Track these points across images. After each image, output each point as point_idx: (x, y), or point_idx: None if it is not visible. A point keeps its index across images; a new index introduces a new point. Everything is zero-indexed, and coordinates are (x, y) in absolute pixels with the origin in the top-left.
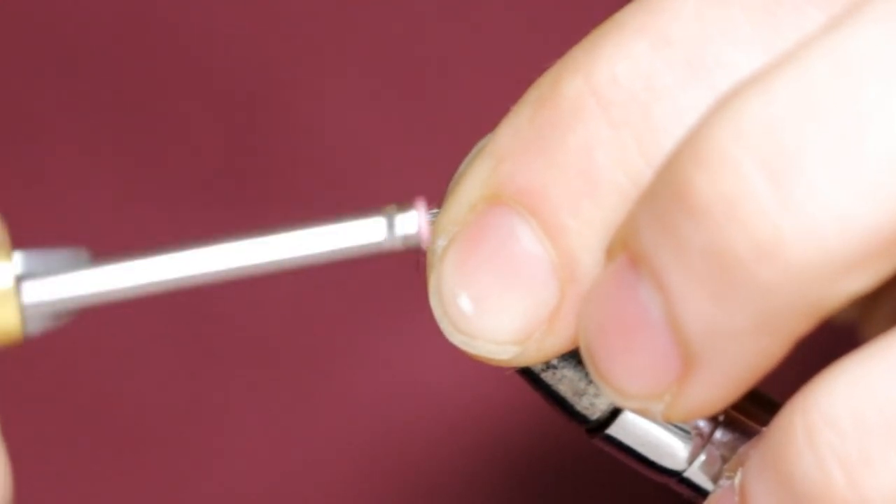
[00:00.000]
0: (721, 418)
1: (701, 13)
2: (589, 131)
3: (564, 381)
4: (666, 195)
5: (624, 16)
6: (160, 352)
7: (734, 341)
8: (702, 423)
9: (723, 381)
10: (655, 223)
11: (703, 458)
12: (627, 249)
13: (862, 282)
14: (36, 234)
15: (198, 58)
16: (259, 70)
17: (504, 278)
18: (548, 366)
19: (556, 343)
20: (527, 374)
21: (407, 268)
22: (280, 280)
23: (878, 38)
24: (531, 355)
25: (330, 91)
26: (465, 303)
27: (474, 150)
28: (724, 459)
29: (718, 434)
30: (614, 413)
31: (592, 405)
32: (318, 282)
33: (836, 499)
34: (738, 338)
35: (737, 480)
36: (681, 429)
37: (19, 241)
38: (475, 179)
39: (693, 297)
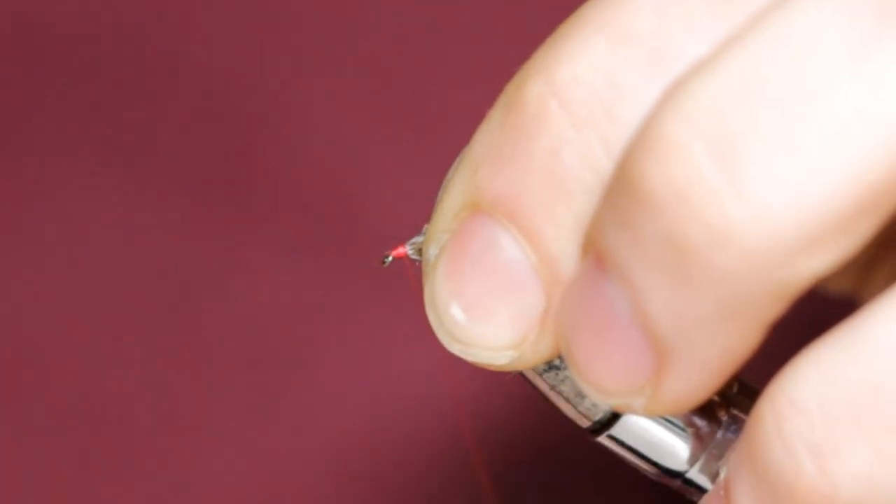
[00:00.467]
0: (724, 419)
1: (659, 6)
2: (554, 134)
3: (566, 382)
4: (620, 188)
5: (582, 13)
6: (145, 350)
7: (702, 330)
8: (703, 424)
9: (699, 371)
10: (614, 217)
11: (704, 458)
12: (593, 248)
13: (822, 261)
14: (36, 239)
15: (194, 68)
16: (254, 78)
17: (491, 285)
18: (549, 367)
19: (552, 344)
20: (529, 375)
21: (395, 266)
22: (269, 278)
23: (819, 16)
24: (529, 358)
25: (325, 98)
26: (457, 312)
27: (459, 158)
28: (723, 460)
29: (720, 435)
30: (616, 414)
31: (595, 406)
32: (306, 280)
33: (806, 486)
34: (706, 326)
35: (722, 475)
36: (682, 429)
37: (19, 246)
38: (457, 188)
39: (656, 289)
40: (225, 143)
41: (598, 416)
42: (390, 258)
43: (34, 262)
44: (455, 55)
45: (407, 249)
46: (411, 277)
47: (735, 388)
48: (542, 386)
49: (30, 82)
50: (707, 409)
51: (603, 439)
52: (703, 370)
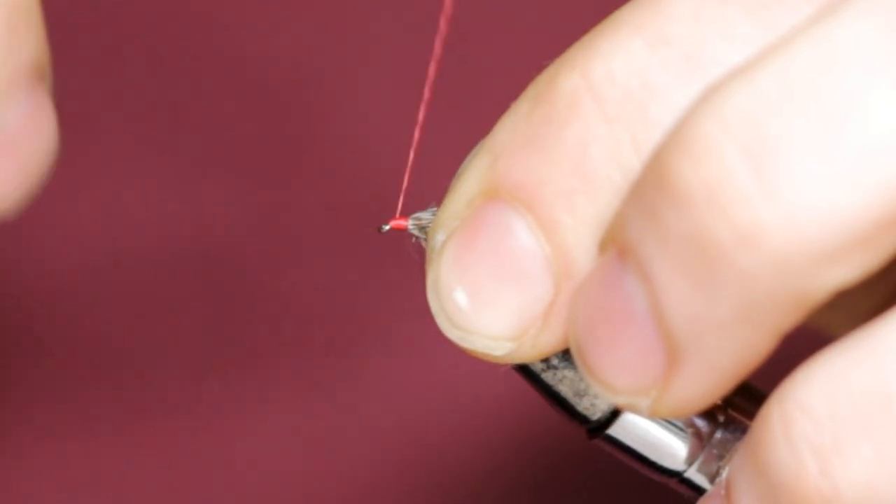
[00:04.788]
0: (721, 419)
1: (697, 11)
2: (584, 127)
3: (565, 382)
4: (650, 184)
5: (622, 13)
6: (190, 334)
7: (717, 333)
8: (702, 424)
9: (708, 376)
10: (641, 213)
11: (702, 458)
12: (616, 242)
13: (844, 274)
14: (81, 219)
15: (238, 50)
16: (298, 62)
17: (500, 273)
18: (548, 366)
19: (552, 339)
20: (527, 374)
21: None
22: (310, 271)
23: (862, 29)
24: (526, 351)
25: (381, 85)
26: (461, 298)
27: (477, 147)
28: (723, 459)
29: (718, 434)
30: (615, 413)
31: (593, 406)
32: (348, 273)
33: (809, 488)
34: (721, 329)
35: (724, 474)
36: (681, 429)
37: (64, 227)
38: (473, 175)
39: (676, 286)
40: (279, 131)
41: (596, 416)
42: (388, 227)
43: (85, 242)
44: (499, 45)
45: (409, 223)
46: (410, 250)
47: (733, 389)
48: (541, 385)
49: (86, 68)
50: (705, 409)
51: (601, 439)
52: (712, 375)
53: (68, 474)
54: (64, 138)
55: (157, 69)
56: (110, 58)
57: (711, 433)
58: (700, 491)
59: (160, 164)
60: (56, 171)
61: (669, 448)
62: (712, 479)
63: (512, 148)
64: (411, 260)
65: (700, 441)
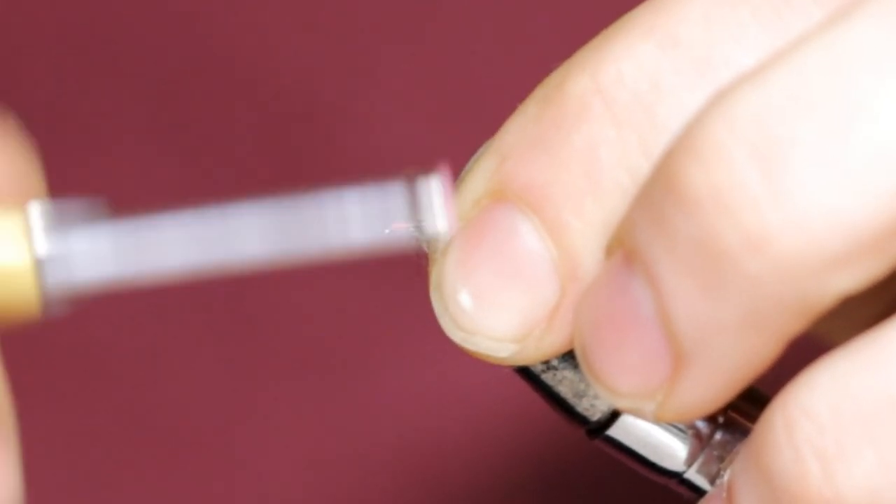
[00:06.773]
0: (721, 420)
1: (709, 14)
2: (593, 130)
3: (565, 383)
4: (658, 187)
5: (632, 16)
6: (198, 347)
7: (723, 337)
8: (702, 425)
9: (713, 381)
10: (648, 216)
11: (702, 459)
12: (623, 246)
13: (852, 280)
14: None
15: (241, 57)
16: (301, 67)
17: (505, 275)
18: (548, 367)
19: (556, 342)
20: (527, 374)
21: None
22: (316, 277)
23: (873, 34)
24: (530, 353)
25: (387, 101)
26: (465, 299)
27: (483, 148)
28: (723, 461)
29: (718, 436)
30: (615, 414)
31: (593, 406)
32: (354, 282)
33: (812, 492)
34: (728, 333)
35: (726, 478)
36: (681, 430)
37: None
38: (480, 175)
39: (683, 291)
40: (285, 144)
41: (595, 417)
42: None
43: None
44: (508, 55)
45: None
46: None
47: None
48: (540, 386)
49: (93, 77)
50: None
51: (601, 440)
52: (717, 379)
53: (72, 485)
54: (67, 144)
55: (158, 76)
56: (114, 67)
57: (712, 434)
58: (700, 492)
59: (160, 171)
60: (58, 178)
61: (669, 449)
62: (712, 480)
63: (520, 149)
64: (415, 262)
65: (700, 442)
